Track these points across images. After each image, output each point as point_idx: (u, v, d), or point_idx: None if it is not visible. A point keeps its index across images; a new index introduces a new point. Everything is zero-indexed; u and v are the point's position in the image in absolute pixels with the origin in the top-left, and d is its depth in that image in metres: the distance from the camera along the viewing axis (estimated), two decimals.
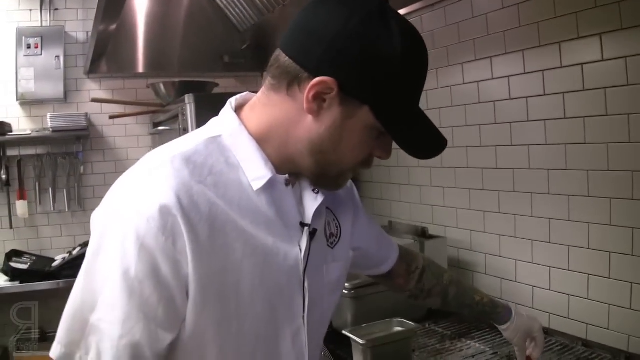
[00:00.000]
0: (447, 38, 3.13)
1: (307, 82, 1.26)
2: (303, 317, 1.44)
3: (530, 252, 2.73)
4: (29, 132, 4.92)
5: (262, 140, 1.37)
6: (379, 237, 1.89)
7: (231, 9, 4.72)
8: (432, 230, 3.21)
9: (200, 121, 3.30)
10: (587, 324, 2.49)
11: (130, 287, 1.18)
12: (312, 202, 1.45)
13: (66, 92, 5.06)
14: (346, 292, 2.59)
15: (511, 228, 2.83)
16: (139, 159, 1.37)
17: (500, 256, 2.92)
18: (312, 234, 1.44)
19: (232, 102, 1.45)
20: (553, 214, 2.62)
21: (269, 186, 1.35)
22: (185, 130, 3.55)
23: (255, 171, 1.34)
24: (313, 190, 1.46)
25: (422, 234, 3.05)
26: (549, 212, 2.64)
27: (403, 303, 2.59)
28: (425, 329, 2.70)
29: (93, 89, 5.15)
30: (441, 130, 2.88)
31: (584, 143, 2.45)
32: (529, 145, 2.70)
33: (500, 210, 2.90)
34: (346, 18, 1.25)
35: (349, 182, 1.73)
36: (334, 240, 1.61)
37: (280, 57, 1.32)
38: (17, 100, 4.98)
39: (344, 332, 2.37)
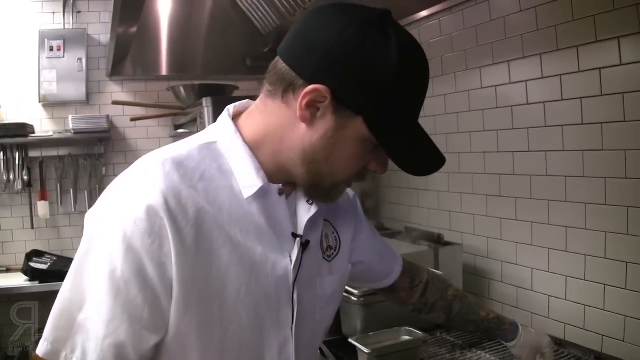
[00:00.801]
0: (465, 41, 3.08)
1: (301, 90, 1.25)
2: (291, 328, 1.42)
3: (546, 260, 2.67)
4: (51, 133, 4.94)
5: (256, 148, 1.37)
6: (383, 251, 1.87)
7: (253, 12, 4.71)
8: (449, 236, 3.16)
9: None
10: (603, 335, 2.42)
11: (116, 287, 1.19)
12: (306, 213, 1.44)
13: (88, 94, 5.09)
14: (355, 299, 2.54)
15: (528, 236, 2.77)
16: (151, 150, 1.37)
17: (516, 264, 2.86)
18: (305, 245, 1.43)
19: (229, 109, 1.45)
20: (570, 222, 2.56)
21: (262, 195, 1.35)
22: None
23: (247, 179, 1.34)
24: (307, 201, 1.46)
25: (437, 241, 3.00)
26: (565, 220, 2.58)
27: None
28: (436, 338, 2.65)
29: (115, 91, 5.17)
30: (459, 135, 2.87)
31: (602, 150, 2.39)
32: (546, 151, 2.64)
33: (517, 218, 2.84)
34: (344, 26, 1.24)
35: (352, 194, 1.76)
36: (332, 254, 1.60)
37: (278, 63, 1.32)
38: (39, 102, 5.01)
39: (350, 340, 2.33)
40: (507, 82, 2.82)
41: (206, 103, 3.50)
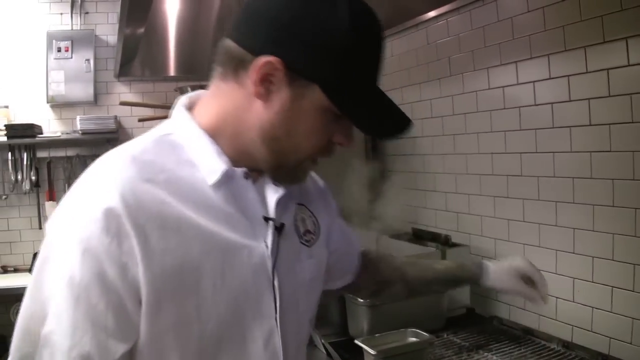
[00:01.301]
0: (473, 42, 3.07)
1: (253, 65, 1.22)
2: (275, 318, 1.36)
3: (554, 262, 2.66)
4: (59, 134, 4.96)
5: (214, 134, 1.32)
6: (353, 242, 1.85)
7: None
8: (457, 237, 3.15)
9: None
10: (610, 337, 2.41)
11: (76, 294, 1.13)
12: (273, 194, 1.40)
13: (96, 95, 5.11)
14: (362, 300, 2.53)
15: (535, 237, 2.76)
16: None
17: None
18: (280, 229, 1.38)
19: (183, 99, 1.41)
20: (577, 224, 2.55)
21: (227, 180, 1.30)
22: None
23: (209, 165, 1.29)
24: (274, 183, 1.40)
25: (445, 242, 3.00)
26: (573, 222, 2.57)
27: (421, 313, 2.55)
28: (443, 340, 2.63)
29: (123, 91, 5.20)
30: (466, 136, 2.85)
31: (610, 151, 2.38)
32: (554, 152, 2.63)
33: (524, 219, 2.83)
34: None
35: (322, 183, 1.74)
36: (312, 238, 1.55)
37: (226, 43, 1.29)
38: (47, 102, 5.03)
39: (356, 341, 2.33)
40: (514, 82, 2.81)
41: None
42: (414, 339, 2.37)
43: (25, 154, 4.96)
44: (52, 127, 5.08)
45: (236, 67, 1.26)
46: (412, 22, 3.52)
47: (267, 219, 1.36)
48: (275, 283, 1.34)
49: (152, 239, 1.16)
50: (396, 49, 3.83)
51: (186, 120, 1.34)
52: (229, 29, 1.30)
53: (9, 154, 4.94)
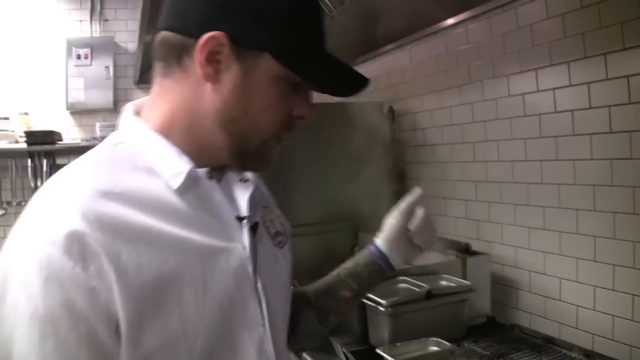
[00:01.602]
0: (492, 49, 3.06)
1: (197, 47, 1.17)
2: (264, 324, 1.28)
3: (575, 270, 2.64)
4: (78, 141, 5.00)
5: (168, 134, 1.24)
6: None
7: None
8: (477, 245, 3.13)
9: None
10: (631, 346, 2.39)
11: (42, 329, 1.01)
12: (243, 191, 1.34)
13: (115, 102, 5.14)
14: (383, 309, 2.50)
15: (556, 245, 2.74)
16: None
17: (544, 274, 2.83)
18: (254, 229, 1.33)
19: (129, 106, 1.34)
20: (598, 232, 2.52)
21: (192, 183, 1.23)
22: None
23: (171, 168, 1.21)
24: (241, 180, 1.36)
25: (465, 250, 2.98)
26: (594, 230, 2.54)
27: (442, 322, 2.54)
28: (464, 349, 2.61)
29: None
30: (486, 144, 2.84)
31: (630, 158, 2.36)
32: (574, 160, 2.61)
33: (545, 227, 2.81)
34: None
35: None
36: (283, 239, 1.50)
37: (161, 37, 1.24)
38: (67, 109, 5.08)
39: (377, 350, 2.32)
40: (534, 90, 2.80)
41: None
42: (435, 348, 2.36)
43: (44, 161, 4.99)
44: (71, 134, 5.12)
45: (179, 56, 1.21)
46: (431, 29, 3.51)
47: (240, 219, 1.30)
48: (259, 286, 1.28)
49: (122, 256, 1.07)
50: (415, 56, 3.83)
51: (136, 126, 1.28)
52: (161, 22, 1.24)
53: (29, 160, 4.97)
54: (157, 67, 1.27)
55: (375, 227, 3.33)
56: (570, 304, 2.67)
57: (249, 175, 1.43)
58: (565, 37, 2.58)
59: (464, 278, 2.76)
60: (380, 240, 1.80)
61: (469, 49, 3.26)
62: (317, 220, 3.64)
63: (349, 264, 1.80)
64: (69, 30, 5.25)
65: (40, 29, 5.26)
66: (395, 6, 3.42)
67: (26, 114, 5.28)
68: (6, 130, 5.17)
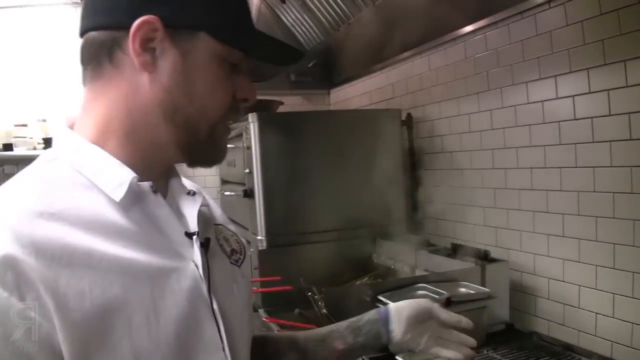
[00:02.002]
0: (511, 56, 3.05)
1: (128, 38, 1.12)
2: (223, 348, 1.19)
3: (594, 277, 2.63)
4: None
5: (105, 143, 1.17)
6: None
7: (297, 27, 4.73)
8: (496, 252, 3.12)
9: (264, 139, 3.32)
10: None
11: None
12: (192, 205, 1.27)
13: None
14: None
15: (575, 252, 2.73)
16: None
17: (563, 281, 2.81)
18: (206, 245, 1.25)
19: (64, 120, 1.26)
20: (618, 239, 2.51)
21: (135, 197, 1.15)
22: (248, 149, 3.57)
23: (111, 179, 1.13)
24: (188, 194, 1.29)
25: (484, 257, 2.97)
26: (613, 237, 2.53)
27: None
28: (483, 356, 2.60)
29: None
30: (505, 150, 2.84)
31: None
32: (594, 167, 2.60)
33: (564, 234, 2.80)
34: None
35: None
36: (239, 258, 1.43)
37: (88, 37, 1.18)
38: None
39: (397, 357, 2.31)
40: (554, 97, 2.79)
41: (252, 119, 3.51)
42: None
43: None
44: None
45: (110, 51, 1.15)
46: (449, 37, 3.51)
47: (189, 235, 1.21)
48: (215, 307, 1.19)
49: (61, 283, 0.97)
50: (434, 63, 3.82)
51: (70, 138, 1.19)
52: (82, 27, 1.19)
53: None
54: (86, 74, 1.21)
55: (393, 234, 3.33)
56: (589, 311, 2.66)
57: (195, 188, 1.39)
58: (584, 44, 2.57)
59: (483, 285, 2.75)
60: (395, 306, 1.67)
61: (487, 56, 3.25)
62: (335, 227, 3.65)
63: (354, 318, 1.68)
64: None
65: (58, 36, 5.29)
66: (413, 13, 3.43)
67: (44, 121, 5.30)
68: (24, 137, 5.19)
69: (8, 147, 5.13)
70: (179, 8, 1.14)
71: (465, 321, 1.70)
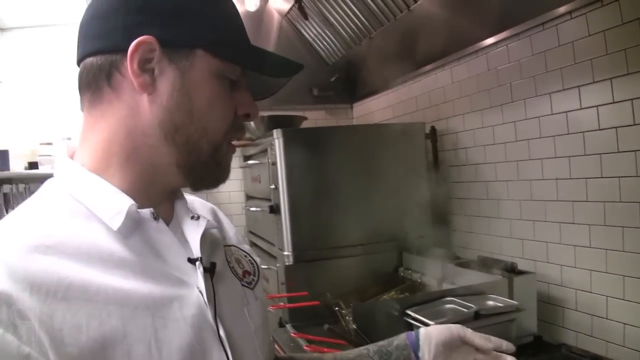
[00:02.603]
0: (534, 68, 3.05)
1: (125, 61, 1.11)
2: None
3: (621, 288, 2.61)
4: None
5: (104, 170, 1.16)
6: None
7: (319, 42, 4.75)
8: (522, 264, 3.11)
9: (289, 155, 3.33)
10: None
11: None
12: (195, 230, 1.24)
13: None
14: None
15: (602, 263, 2.71)
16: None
17: (590, 292, 2.80)
18: (211, 270, 1.21)
19: (63, 148, 1.27)
20: None
21: (134, 225, 1.14)
22: (273, 164, 3.58)
23: (109, 208, 1.12)
24: (192, 218, 1.26)
25: (511, 270, 2.97)
26: None
27: None
28: None
29: None
30: (530, 162, 2.83)
31: None
32: (619, 177, 2.59)
33: (590, 245, 2.79)
34: None
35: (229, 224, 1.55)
36: (253, 280, 1.41)
37: (85, 63, 1.18)
38: None
39: None
40: (577, 107, 2.78)
41: (277, 135, 3.52)
42: None
43: None
44: None
45: (108, 75, 1.15)
46: (472, 49, 3.51)
47: (192, 261, 1.19)
48: (222, 333, 1.15)
49: (56, 318, 0.95)
50: (456, 76, 3.83)
51: (69, 167, 1.19)
52: (79, 55, 1.20)
53: None
54: (84, 100, 1.22)
55: (418, 247, 3.33)
56: (617, 322, 2.64)
57: (201, 211, 1.38)
58: (607, 54, 2.56)
59: (511, 297, 2.74)
60: (425, 332, 1.61)
61: (510, 67, 3.25)
62: (360, 241, 3.64)
63: (383, 342, 1.65)
64: None
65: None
66: (435, 26, 3.44)
67: (69, 139, 5.32)
68: (49, 155, 5.23)
69: (33, 165, 5.18)
70: (174, 26, 1.13)
71: (506, 345, 1.65)
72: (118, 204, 1.12)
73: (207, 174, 1.24)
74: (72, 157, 1.23)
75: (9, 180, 5.25)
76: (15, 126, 5.40)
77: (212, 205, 1.53)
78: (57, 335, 0.94)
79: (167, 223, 1.22)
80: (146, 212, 1.16)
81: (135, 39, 1.09)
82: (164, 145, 1.16)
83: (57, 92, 5.34)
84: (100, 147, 1.17)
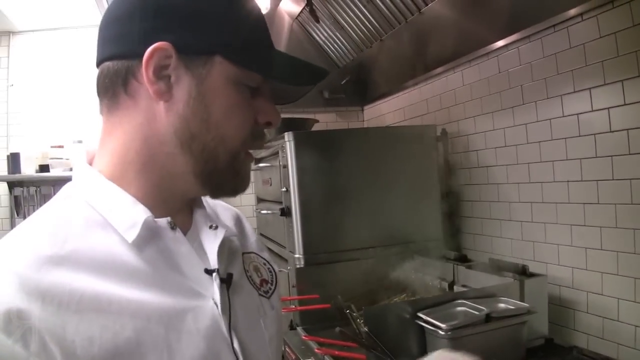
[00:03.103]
0: (545, 70, 3.04)
1: (142, 67, 1.09)
2: None
3: (633, 290, 2.60)
4: None
5: (121, 179, 1.15)
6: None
7: (330, 45, 4.74)
8: (533, 267, 3.09)
9: (300, 158, 3.34)
10: None
11: None
12: (213, 240, 1.22)
13: None
14: (442, 333, 2.48)
15: (613, 265, 2.71)
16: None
17: (602, 294, 2.79)
18: (228, 281, 1.19)
19: (82, 153, 1.24)
20: None
21: (150, 236, 1.12)
22: (285, 167, 3.58)
23: (124, 220, 1.10)
24: (210, 227, 1.24)
25: (523, 272, 2.96)
26: None
27: (500, 344, 2.52)
28: None
29: None
30: (542, 164, 2.82)
31: None
32: (630, 179, 2.58)
33: (602, 247, 2.78)
34: None
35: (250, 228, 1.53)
36: (270, 289, 1.39)
37: (103, 67, 1.16)
38: None
39: None
40: (589, 109, 2.77)
41: (288, 137, 3.53)
42: None
43: None
44: None
45: (125, 81, 1.12)
46: (482, 51, 3.51)
47: (209, 272, 1.17)
48: (236, 346, 1.14)
49: (69, 330, 0.94)
50: (467, 78, 3.83)
51: (86, 174, 1.17)
52: (97, 58, 1.18)
53: None
54: (102, 105, 1.19)
55: (430, 250, 3.32)
56: (629, 324, 2.63)
57: (223, 216, 1.38)
58: (618, 56, 2.56)
59: (522, 300, 2.74)
60: None
61: (521, 69, 3.25)
62: (371, 244, 3.64)
63: None
64: None
65: (92, 59, 5.35)
66: (445, 29, 3.43)
67: (80, 142, 5.36)
68: (61, 158, 5.28)
69: (44, 168, 5.20)
70: (191, 32, 1.11)
71: None
72: (134, 216, 1.10)
73: (225, 182, 1.21)
74: (90, 162, 1.21)
75: (20, 183, 5.27)
76: (27, 129, 5.43)
77: (236, 210, 1.51)
78: (70, 347, 0.93)
79: (185, 232, 1.21)
80: (163, 221, 1.14)
81: (151, 44, 1.07)
82: (181, 154, 1.14)
83: (68, 95, 5.38)
84: (117, 154, 1.15)
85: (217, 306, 1.14)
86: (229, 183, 1.21)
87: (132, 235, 1.08)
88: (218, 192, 1.23)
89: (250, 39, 1.17)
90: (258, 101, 1.20)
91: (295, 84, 1.28)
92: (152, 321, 1.03)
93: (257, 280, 1.37)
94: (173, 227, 1.15)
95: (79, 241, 1.04)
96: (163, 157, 1.14)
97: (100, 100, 1.19)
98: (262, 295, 1.35)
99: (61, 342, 0.92)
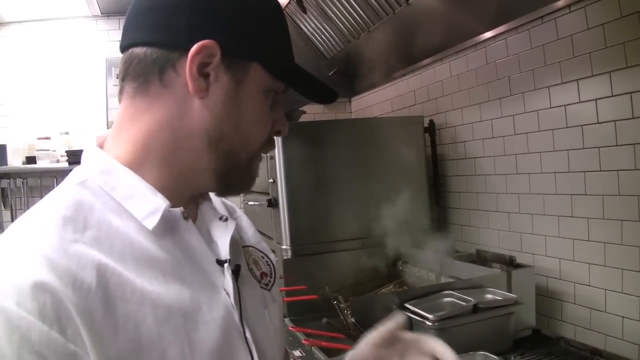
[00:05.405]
0: (533, 61, 3.05)
1: (183, 60, 1.10)
2: None
3: (620, 281, 2.61)
4: None
5: (139, 166, 1.14)
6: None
7: (317, 37, 4.72)
8: (521, 258, 3.11)
9: (287, 149, 3.33)
10: None
11: None
12: (224, 232, 1.24)
13: None
14: (430, 323, 2.47)
15: (601, 256, 2.72)
16: None
17: (589, 285, 2.80)
18: (236, 272, 1.21)
19: (94, 139, 1.22)
20: None
21: (168, 226, 1.12)
22: (272, 158, 3.58)
23: (144, 206, 1.10)
24: (220, 219, 1.27)
25: (510, 263, 2.97)
26: (639, 240, 2.52)
27: (487, 335, 2.53)
28: None
29: None
30: (529, 155, 2.84)
31: None
32: (618, 170, 2.59)
33: (589, 238, 2.79)
34: None
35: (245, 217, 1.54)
36: (269, 281, 1.41)
37: (135, 52, 1.14)
38: (107, 128, 5.13)
39: None
40: (576, 101, 2.78)
41: None
42: None
43: None
44: None
45: (162, 70, 1.12)
46: (470, 42, 3.51)
47: (220, 262, 1.18)
48: (248, 335, 1.16)
49: (97, 316, 0.93)
50: (455, 69, 3.83)
51: (102, 159, 1.15)
52: (129, 39, 1.16)
53: None
54: (128, 88, 1.17)
55: (417, 241, 3.32)
56: (616, 315, 2.64)
57: (229, 207, 1.41)
58: (606, 47, 2.56)
59: (509, 291, 2.74)
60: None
61: (508, 61, 3.25)
62: (359, 235, 3.65)
63: None
64: (108, 50, 5.35)
65: (80, 50, 5.36)
66: (433, 20, 3.43)
67: (67, 133, 5.36)
68: (48, 150, 5.27)
69: (31, 159, 5.19)
70: (237, 36, 1.13)
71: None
72: (154, 204, 1.11)
73: (238, 182, 1.24)
74: (101, 146, 1.20)
75: (7, 175, 5.27)
76: (13, 121, 5.42)
77: (232, 204, 1.52)
78: (98, 335, 0.92)
79: (194, 221, 1.22)
80: (177, 211, 1.15)
81: (198, 40, 1.08)
82: (206, 151, 1.15)
83: (55, 86, 5.36)
84: (139, 141, 1.15)
85: (229, 297, 1.16)
86: (242, 182, 1.25)
87: (152, 222, 1.09)
88: (228, 191, 1.26)
89: (284, 52, 1.23)
90: (275, 110, 1.24)
91: (319, 102, 1.33)
92: (172, 312, 1.03)
93: (258, 274, 1.38)
94: (186, 217, 1.17)
95: (98, 227, 1.04)
96: (187, 152, 1.15)
97: (126, 84, 1.18)
98: (263, 288, 1.37)
99: (91, 329, 0.91)
